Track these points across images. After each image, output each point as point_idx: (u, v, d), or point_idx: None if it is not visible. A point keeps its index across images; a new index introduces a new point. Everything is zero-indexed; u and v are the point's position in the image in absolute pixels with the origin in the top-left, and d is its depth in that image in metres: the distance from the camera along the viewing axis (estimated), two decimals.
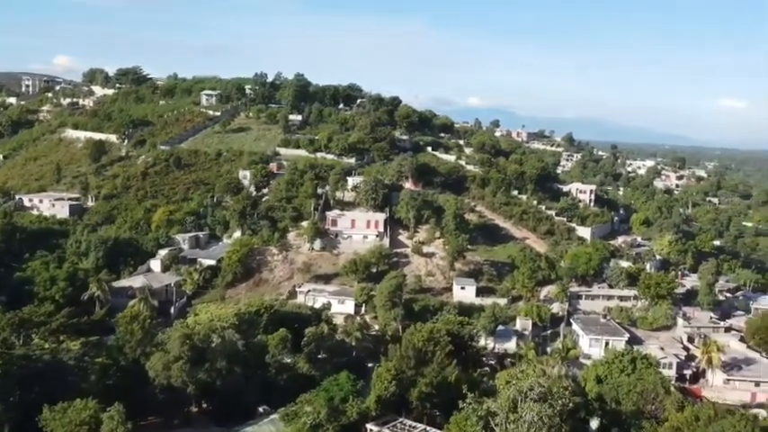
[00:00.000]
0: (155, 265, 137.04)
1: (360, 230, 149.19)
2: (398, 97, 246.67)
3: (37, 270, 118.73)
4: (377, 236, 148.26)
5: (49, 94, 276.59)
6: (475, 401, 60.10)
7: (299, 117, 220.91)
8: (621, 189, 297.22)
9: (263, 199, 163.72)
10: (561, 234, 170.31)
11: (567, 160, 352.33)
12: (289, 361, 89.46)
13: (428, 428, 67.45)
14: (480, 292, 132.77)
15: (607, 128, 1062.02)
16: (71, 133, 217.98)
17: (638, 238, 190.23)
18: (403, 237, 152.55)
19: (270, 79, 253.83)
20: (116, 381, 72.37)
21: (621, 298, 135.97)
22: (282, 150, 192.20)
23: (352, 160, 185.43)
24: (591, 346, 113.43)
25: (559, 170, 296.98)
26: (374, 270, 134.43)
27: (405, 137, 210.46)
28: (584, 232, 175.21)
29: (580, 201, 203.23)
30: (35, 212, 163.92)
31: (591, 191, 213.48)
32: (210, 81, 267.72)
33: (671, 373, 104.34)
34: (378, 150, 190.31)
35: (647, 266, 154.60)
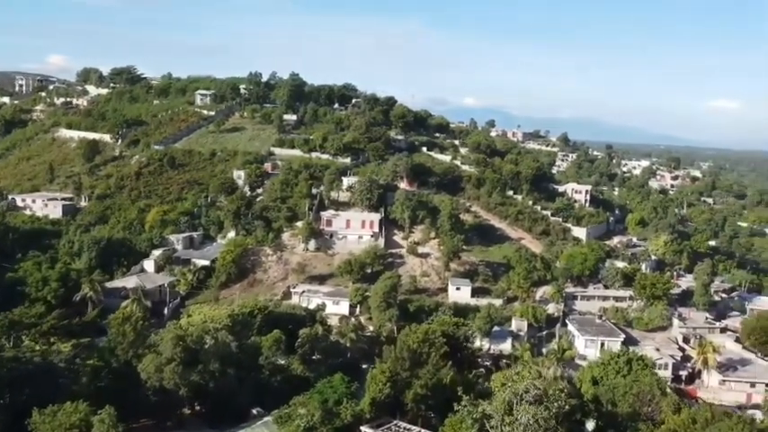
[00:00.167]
0: (148, 265, 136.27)
1: (355, 231, 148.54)
2: (394, 97, 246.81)
3: (29, 271, 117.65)
4: (372, 236, 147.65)
5: (43, 94, 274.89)
6: (470, 404, 59.48)
7: (294, 117, 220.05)
8: (617, 189, 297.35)
9: (258, 199, 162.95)
10: (557, 234, 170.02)
11: (563, 160, 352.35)
12: (283, 362, 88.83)
13: (423, 431, 66.84)
14: (475, 292, 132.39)
15: (602, 128, 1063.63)
16: (64, 133, 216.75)
17: (634, 239, 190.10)
18: (398, 237, 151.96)
19: (265, 79, 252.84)
20: (108, 383, 71.54)
21: (617, 298, 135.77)
22: (277, 150, 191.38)
23: (347, 160, 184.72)
24: (586, 347, 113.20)
25: (555, 170, 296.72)
26: (369, 271, 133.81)
27: (400, 137, 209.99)
28: (580, 233, 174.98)
29: (575, 201, 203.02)
30: (28, 212, 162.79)
31: (586, 191, 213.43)
32: (205, 81, 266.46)
33: (666, 373, 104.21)
34: (373, 150, 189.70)
35: (643, 267, 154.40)
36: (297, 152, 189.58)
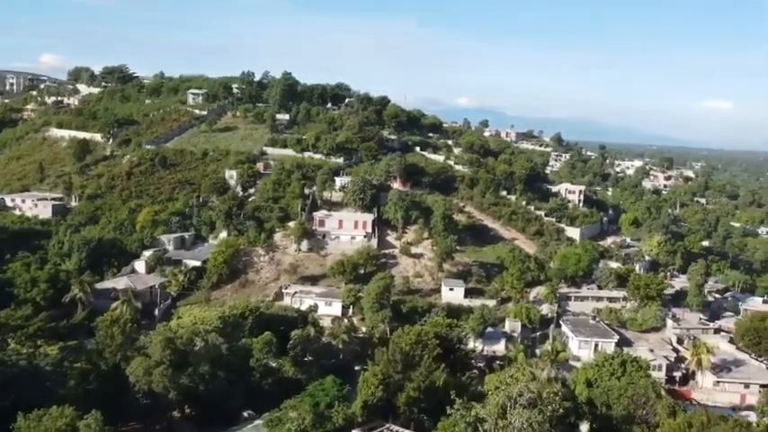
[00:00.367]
0: (139, 266, 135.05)
1: (347, 231, 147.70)
2: (387, 97, 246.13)
3: (17, 272, 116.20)
4: (365, 236, 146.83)
5: (34, 93, 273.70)
6: (463, 407, 58.59)
7: (287, 116, 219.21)
8: (610, 189, 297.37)
9: (250, 199, 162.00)
10: (550, 235, 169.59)
11: (556, 160, 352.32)
12: (274, 365, 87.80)
13: None
14: (469, 293, 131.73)
15: (595, 128, 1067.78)
16: (55, 132, 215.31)
17: (627, 239, 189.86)
18: (391, 237, 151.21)
19: (257, 78, 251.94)
20: (95, 386, 70.39)
21: (611, 299, 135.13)
22: (269, 150, 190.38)
23: (340, 160, 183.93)
24: (580, 348, 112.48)
25: (548, 170, 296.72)
26: (362, 271, 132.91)
27: (393, 136, 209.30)
28: (574, 233, 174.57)
29: (569, 201, 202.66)
30: (17, 212, 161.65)
31: (580, 191, 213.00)
32: (197, 80, 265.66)
33: (660, 375, 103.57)
34: (366, 150, 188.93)
35: (637, 267, 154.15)
36: (289, 152, 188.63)
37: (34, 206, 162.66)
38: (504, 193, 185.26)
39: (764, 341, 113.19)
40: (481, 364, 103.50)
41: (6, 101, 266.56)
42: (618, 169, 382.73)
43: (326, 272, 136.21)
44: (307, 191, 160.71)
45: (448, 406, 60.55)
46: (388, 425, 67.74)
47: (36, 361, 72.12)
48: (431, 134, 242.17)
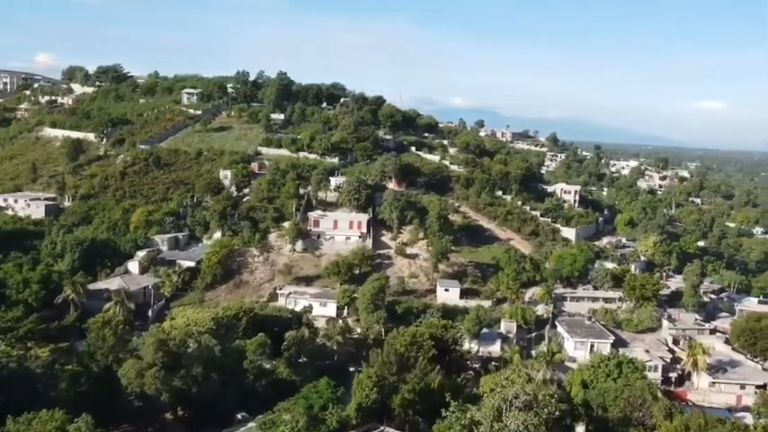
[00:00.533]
0: (132, 266, 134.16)
1: (342, 231, 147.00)
2: (382, 96, 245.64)
3: (9, 272, 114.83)
4: (360, 237, 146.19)
5: (27, 92, 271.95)
6: (458, 410, 58.05)
7: (282, 116, 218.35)
8: (605, 189, 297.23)
9: (244, 199, 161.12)
10: (546, 235, 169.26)
11: (552, 160, 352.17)
12: (268, 366, 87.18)
13: None
14: (464, 293, 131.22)
15: (590, 128, 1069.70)
16: (49, 132, 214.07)
17: (623, 239, 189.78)
18: (386, 238, 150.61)
19: (252, 78, 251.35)
20: (87, 389, 69.70)
21: (606, 300, 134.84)
22: (264, 150, 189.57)
23: (335, 160, 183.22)
24: (576, 349, 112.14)
25: (543, 170, 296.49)
26: (357, 272, 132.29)
27: (388, 136, 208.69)
28: (569, 233, 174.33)
29: (565, 201, 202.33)
30: (9, 213, 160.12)
31: (575, 191, 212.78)
32: (192, 79, 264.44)
33: (656, 375, 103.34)
34: (361, 150, 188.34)
35: (632, 268, 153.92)
36: (284, 152, 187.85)
37: (27, 206, 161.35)
38: (499, 193, 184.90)
39: (760, 342, 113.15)
40: (477, 366, 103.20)
41: (0, 100, 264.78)
42: (613, 169, 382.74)
43: (321, 272, 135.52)
44: (301, 191, 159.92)
45: (443, 408, 60.04)
46: (382, 427, 67.24)
47: (27, 363, 71.38)
48: (426, 134, 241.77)
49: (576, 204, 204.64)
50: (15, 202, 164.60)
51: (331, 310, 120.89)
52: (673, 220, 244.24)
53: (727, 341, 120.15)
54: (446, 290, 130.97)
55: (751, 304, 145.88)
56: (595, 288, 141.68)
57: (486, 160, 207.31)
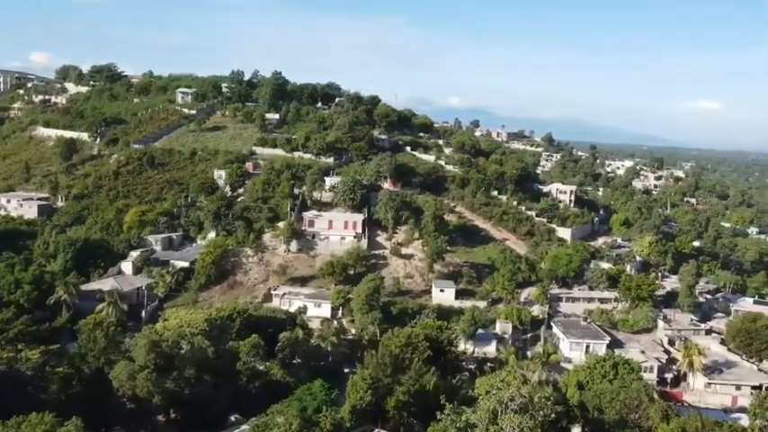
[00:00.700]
0: (126, 267, 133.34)
1: (337, 231, 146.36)
2: (377, 96, 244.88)
3: (1, 273, 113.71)
4: (355, 237, 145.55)
5: (21, 91, 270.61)
6: (453, 412, 57.46)
7: (277, 116, 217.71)
8: (601, 189, 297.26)
9: (239, 199, 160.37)
10: (541, 235, 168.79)
11: (547, 160, 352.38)
12: (262, 367, 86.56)
13: None
14: (460, 294, 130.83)
15: (586, 128, 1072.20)
16: (42, 131, 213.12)
17: (619, 240, 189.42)
18: (381, 238, 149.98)
19: (247, 77, 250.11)
20: (78, 391, 68.88)
21: (602, 300, 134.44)
22: (259, 150, 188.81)
23: (330, 160, 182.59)
24: (571, 350, 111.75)
25: (539, 170, 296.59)
26: (352, 272, 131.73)
27: (383, 136, 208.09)
28: (565, 233, 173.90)
29: (560, 201, 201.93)
30: (2, 213, 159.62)
31: (571, 191, 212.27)
32: (186, 79, 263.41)
33: (652, 376, 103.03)
34: (356, 150, 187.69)
35: (628, 268, 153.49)
36: (279, 152, 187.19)
37: (19, 206, 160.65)
38: (495, 193, 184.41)
39: (756, 342, 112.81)
40: (472, 367, 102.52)
41: None
42: (608, 169, 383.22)
43: (316, 273, 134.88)
44: (296, 191, 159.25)
45: (438, 410, 59.47)
46: (377, 430, 66.72)
47: (17, 365, 70.57)
48: (421, 134, 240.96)
49: (572, 204, 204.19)
50: (8, 201, 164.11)
51: (326, 310, 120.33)
52: (668, 220, 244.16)
53: (722, 342, 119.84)
54: (441, 290, 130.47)
55: (746, 304, 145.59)
56: (591, 288, 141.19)
57: (481, 160, 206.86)
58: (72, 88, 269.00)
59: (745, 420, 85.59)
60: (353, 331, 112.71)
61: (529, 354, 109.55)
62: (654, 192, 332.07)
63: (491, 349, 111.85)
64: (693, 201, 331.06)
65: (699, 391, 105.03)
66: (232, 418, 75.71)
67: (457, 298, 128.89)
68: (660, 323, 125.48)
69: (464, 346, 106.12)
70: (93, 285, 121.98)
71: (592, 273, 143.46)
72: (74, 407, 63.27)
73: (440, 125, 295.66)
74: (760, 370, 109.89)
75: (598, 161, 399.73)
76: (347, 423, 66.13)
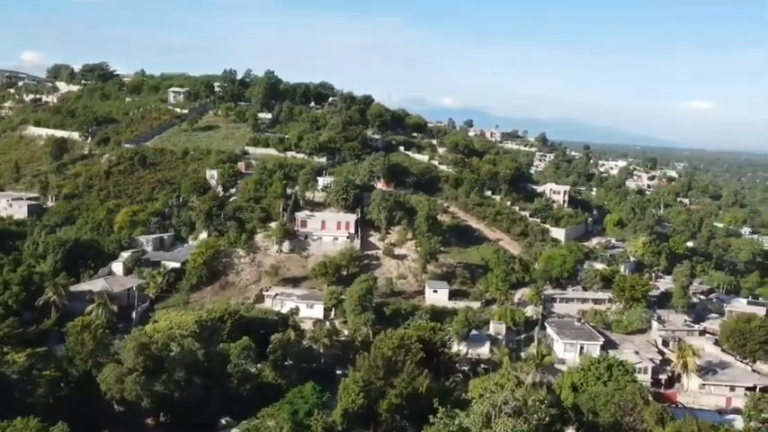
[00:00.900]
0: (116, 267, 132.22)
1: (330, 232, 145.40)
2: (371, 96, 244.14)
3: None
4: (347, 237, 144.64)
5: (12, 90, 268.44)
6: (446, 415, 56.66)
7: (269, 115, 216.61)
8: (594, 189, 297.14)
9: (231, 199, 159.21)
10: (535, 235, 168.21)
11: (541, 160, 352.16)
12: (253, 370, 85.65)
13: None
14: (453, 295, 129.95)
15: (579, 128, 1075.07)
16: (33, 130, 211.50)
17: (612, 240, 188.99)
18: (374, 238, 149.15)
19: (239, 77, 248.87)
20: (66, 395, 67.86)
21: (596, 301, 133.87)
22: (251, 149, 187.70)
23: (323, 160, 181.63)
24: (566, 351, 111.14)
25: (533, 170, 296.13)
26: (344, 273, 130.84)
27: (377, 136, 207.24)
28: (559, 233, 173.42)
29: (554, 201, 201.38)
30: None
31: (565, 191, 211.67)
32: (179, 78, 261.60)
33: (646, 378, 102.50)
34: (349, 150, 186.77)
35: (622, 268, 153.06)
36: (271, 151, 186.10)
37: (9, 206, 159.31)
38: (488, 193, 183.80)
39: (749, 343, 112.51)
40: (465, 368, 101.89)
41: None
42: (602, 169, 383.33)
43: (308, 273, 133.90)
44: (289, 191, 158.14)
45: (431, 413, 58.72)
46: None
47: (2, 369, 69.39)
48: (415, 134, 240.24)
49: (566, 205, 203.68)
50: None
51: (318, 311, 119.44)
52: (661, 220, 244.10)
53: (716, 342, 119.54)
54: (435, 291, 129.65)
55: (740, 305, 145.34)
56: (585, 289, 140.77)
57: (475, 160, 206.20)
58: (63, 87, 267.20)
59: (739, 422, 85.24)
60: (346, 332, 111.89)
61: (523, 355, 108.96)
62: (647, 192, 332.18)
63: (485, 350, 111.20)
64: (686, 201, 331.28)
65: (693, 392, 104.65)
66: (222, 421, 74.97)
67: (450, 299, 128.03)
68: (654, 324, 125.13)
69: (457, 347, 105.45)
70: (83, 286, 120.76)
71: (586, 273, 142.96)
72: (61, 410, 62.41)
73: (434, 125, 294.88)
74: (754, 371, 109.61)
75: (591, 161, 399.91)
76: (339, 426, 65.29)
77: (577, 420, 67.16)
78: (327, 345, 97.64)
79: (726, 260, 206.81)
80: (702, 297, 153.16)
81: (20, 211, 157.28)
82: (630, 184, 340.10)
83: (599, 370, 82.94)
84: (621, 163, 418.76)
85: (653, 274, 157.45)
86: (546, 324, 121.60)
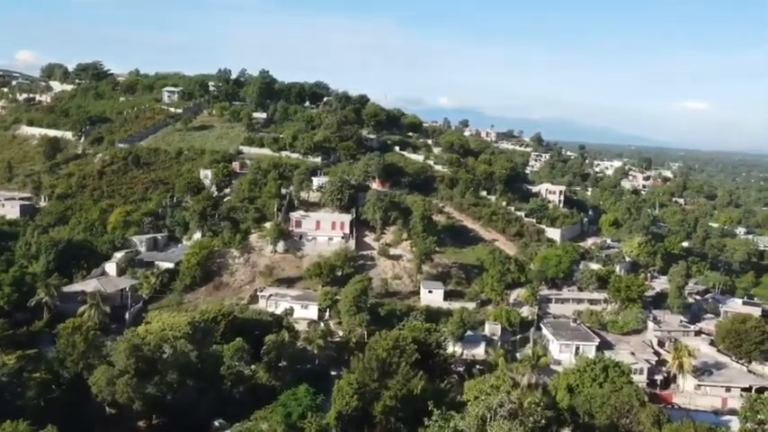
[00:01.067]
0: (110, 268, 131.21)
1: (325, 232, 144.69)
2: (366, 95, 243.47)
3: None
4: (342, 237, 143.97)
5: (5, 90, 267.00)
6: (441, 418, 56.11)
7: (264, 115, 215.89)
8: (590, 189, 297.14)
9: (225, 199, 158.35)
10: (531, 236, 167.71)
11: (536, 160, 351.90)
12: (247, 371, 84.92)
13: None
14: (448, 295, 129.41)
15: (574, 128, 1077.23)
16: (26, 130, 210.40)
17: (608, 240, 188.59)
18: (369, 239, 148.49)
19: (234, 76, 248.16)
20: (56, 397, 67.17)
21: (591, 301, 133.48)
22: (246, 149, 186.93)
23: (318, 159, 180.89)
24: (561, 352, 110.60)
25: (528, 170, 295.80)
26: (339, 273, 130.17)
27: (372, 136, 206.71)
28: (554, 234, 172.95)
29: (550, 201, 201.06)
30: None
31: (560, 191, 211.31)
32: (173, 77, 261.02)
33: (642, 378, 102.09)
34: (344, 149, 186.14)
35: (617, 269, 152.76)
36: (266, 151, 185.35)
37: (1, 206, 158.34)
38: (484, 193, 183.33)
39: (745, 344, 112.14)
40: (461, 369, 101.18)
41: None
42: (597, 169, 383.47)
43: (303, 274, 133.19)
44: (283, 191, 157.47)
45: (426, 416, 58.16)
46: None
47: None
48: (410, 134, 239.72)
49: (561, 205, 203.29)
50: None
51: (312, 312, 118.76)
52: (657, 220, 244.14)
53: (712, 343, 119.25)
54: (430, 291, 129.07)
55: (735, 305, 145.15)
56: (580, 289, 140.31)
57: (470, 160, 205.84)
58: (57, 86, 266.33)
59: (735, 423, 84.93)
60: (341, 333, 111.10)
61: (518, 356, 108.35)
62: (642, 192, 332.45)
63: (480, 351, 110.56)
64: (682, 201, 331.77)
65: (689, 393, 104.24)
66: (216, 423, 74.16)
67: (446, 299, 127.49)
68: (650, 324, 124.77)
69: (453, 348, 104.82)
70: (75, 287, 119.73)
71: (581, 274, 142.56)
72: (52, 413, 61.90)
73: (429, 125, 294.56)
74: (749, 371, 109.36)
75: (587, 161, 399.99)
76: (333, 429, 64.63)
77: (573, 422, 66.64)
78: (322, 346, 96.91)
79: (721, 260, 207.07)
80: (698, 297, 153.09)
81: (12, 212, 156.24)
82: (626, 185, 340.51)
83: (595, 371, 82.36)
84: (617, 163, 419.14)
85: (648, 275, 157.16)
86: (541, 325, 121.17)
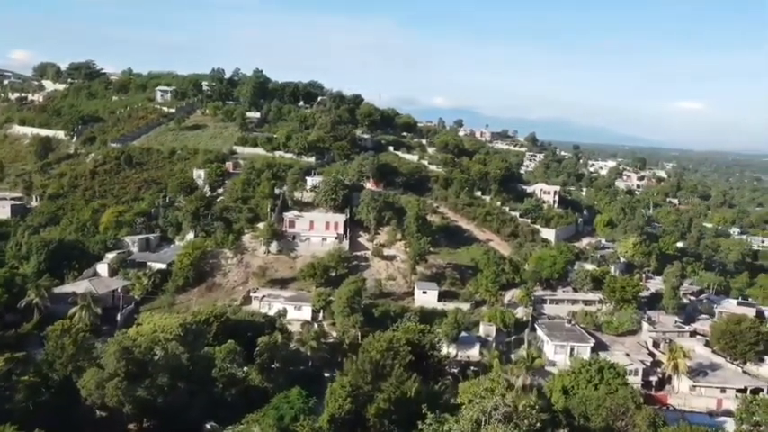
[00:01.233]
0: (101, 269, 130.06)
1: (318, 232, 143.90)
2: (360, 95, 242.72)
3: None
4: (336, 238, 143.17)
5: None
6: (435, 421, 55.41)
7: (258, 114, 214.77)
8: (584, 189, 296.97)
9: (218, 199, 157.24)
10: (525, 236, 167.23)
11: (531, 160, 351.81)
12: (239, 373, 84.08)
13: None
14: (443, 296, 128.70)
15: (569, 128, 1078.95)
16: (17, 129, 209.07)
17: (603, 240, 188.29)
18: (363, 239, 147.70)
19: (228, 75, 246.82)
20: (45, 400, 66.17)
21: (586, 302, 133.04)
22: (239, 149, 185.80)
23: (312, 159, 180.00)
24: (556, 353, 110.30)
25: (523, 170, 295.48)
26: (333, 274, 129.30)
27: (366, 136, 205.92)
28: (549, 234, 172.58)
29: (544, 202, 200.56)
30: None
31: (555, 192, 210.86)
32: (166, 77, 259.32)
33: (637, 379, 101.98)
34: (338, 149, 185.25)
35: (612, 269, 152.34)
36: (260, 151, 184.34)
37: None
38: (478, 193, 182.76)
39: (740, 344, 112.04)
40: (455, 371, 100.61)
41: None
42: (591, 169, 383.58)
43: (296, 275, 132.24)
44: (277, 191, 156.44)
45: (420, 418, 57.44)
46: None
47: None
48: (405, 134, 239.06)
49: (556, 205, 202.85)
50: None
51: (306, 313, 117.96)
52: (651, 220, 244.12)
53: (707, 344, 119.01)
54: (424, 292, 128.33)
55: (730, 306, 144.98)
56: (575, 290, 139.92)
57: (464, 160, 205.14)
58: (49, 86, 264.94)
59: (730, 424, 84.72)
60: (334, 334, 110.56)
61: (513, 357, 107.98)
62: (637, 192, 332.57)
63: (474, 352, 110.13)
64: (676, 201, 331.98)
65: (684, 394, 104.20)
66: (207, 426, 73.33)
67: (440, 300, 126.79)
68: (645, 325, 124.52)
69: (447, 349, 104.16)
70: (66, 288, 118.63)
71: (576, 274, 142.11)
72: (41, 417, 61.03)
73: (423, 125, 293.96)
74: (744, 372, 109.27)
75: (581, 161, 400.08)
76: None
77: (568, 425, 65.96)
78: (315, 347, 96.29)
79: (715, 261, 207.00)
80: (693, 298, 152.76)
81: (3, 212, 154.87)
82: (620, 185, 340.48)
83: (590, 373, 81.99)
84: (611, 163, 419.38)
85: (643, 275, 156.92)
86: (536, 325, 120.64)
